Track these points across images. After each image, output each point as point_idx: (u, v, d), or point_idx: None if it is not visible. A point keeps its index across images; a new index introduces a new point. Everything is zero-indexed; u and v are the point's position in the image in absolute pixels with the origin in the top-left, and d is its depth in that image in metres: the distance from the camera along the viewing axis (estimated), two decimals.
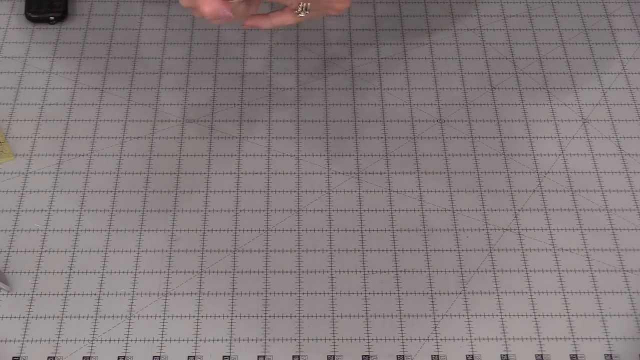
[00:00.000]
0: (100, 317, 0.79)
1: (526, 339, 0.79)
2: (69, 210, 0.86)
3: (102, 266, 0.83)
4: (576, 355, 0.78)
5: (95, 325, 0.79)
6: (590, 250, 0.85)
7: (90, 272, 0.82)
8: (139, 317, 0.79)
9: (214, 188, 0.88)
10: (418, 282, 0.82)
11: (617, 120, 0.96)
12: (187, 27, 1.02)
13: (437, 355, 0.78)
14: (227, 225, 0.86)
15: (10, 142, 0.92)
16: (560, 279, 0.83)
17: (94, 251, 0.84)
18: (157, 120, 0.94)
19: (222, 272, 0.83)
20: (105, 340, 0.78)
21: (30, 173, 0.89)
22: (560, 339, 0.79)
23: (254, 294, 0.81)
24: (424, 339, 0.78)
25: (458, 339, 0.79)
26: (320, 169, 0.90)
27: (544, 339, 0.79)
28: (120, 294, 0.81)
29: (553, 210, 0.88)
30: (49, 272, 0.82)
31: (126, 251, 0.84)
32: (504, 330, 0.79)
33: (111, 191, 0.88)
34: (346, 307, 0.80)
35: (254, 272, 0.83)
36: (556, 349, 0.78)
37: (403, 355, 0.77)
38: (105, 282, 0.82)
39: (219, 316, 0.80)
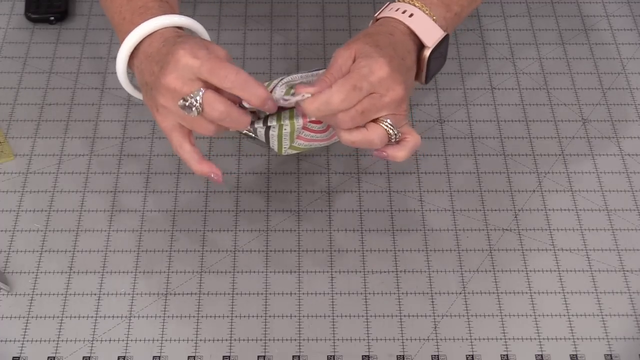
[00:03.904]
0: (100, 317, 0.79)
1: (526, 339, 0.79)
2: (69, 210, 0.86)
3: (102, 266, 0.83)
4: (576, 355, 0.78)
5: (95, 325, 0.79)
6: (590, 250, 0.85)
7: (90, 272, 0.82)
8: (139, 317, 0.79)
9: (214, 188, 0.88)
10: (418, 282, 0.82)
11: (617, 120, 0.96)
12: None
13: (437, 355, 0.77)
14: (227, 225, 0.86)
15: (10, 142, 0.92)
16: (560, 279, 0.83)
17: (94, 251, 0.84)
18: None
19: (222, 272, 0.83)
20: (105, 340, 0.78)
21: (30, 173, 0.89)
22: (560, 339, 0.79)
23: (254, 294, 0.81)
24: (424, 339, 0.78)
25: (458, 339, 0.79)
26: (320, 169, 0.90)
27: (544, 339, 0.79)
28: (120, 294, 0.81)
29: (553, 210, 0.88)
30: (49, 272, 0.82)
31: (126, 251, 0.84)
32: (504, 330, 0.79)
33: (111, 191, 0.88)
34: (346, 307, 0.80)
35: (254, 272, 0.83)
36: (556, 349, 0.78)
37: (403, 355, 0.77)
38: (105, 282, 0.81)
39: (219, 316, 0.80)
